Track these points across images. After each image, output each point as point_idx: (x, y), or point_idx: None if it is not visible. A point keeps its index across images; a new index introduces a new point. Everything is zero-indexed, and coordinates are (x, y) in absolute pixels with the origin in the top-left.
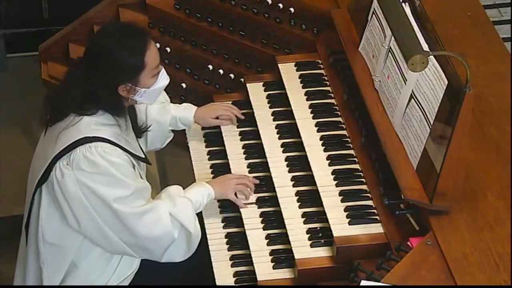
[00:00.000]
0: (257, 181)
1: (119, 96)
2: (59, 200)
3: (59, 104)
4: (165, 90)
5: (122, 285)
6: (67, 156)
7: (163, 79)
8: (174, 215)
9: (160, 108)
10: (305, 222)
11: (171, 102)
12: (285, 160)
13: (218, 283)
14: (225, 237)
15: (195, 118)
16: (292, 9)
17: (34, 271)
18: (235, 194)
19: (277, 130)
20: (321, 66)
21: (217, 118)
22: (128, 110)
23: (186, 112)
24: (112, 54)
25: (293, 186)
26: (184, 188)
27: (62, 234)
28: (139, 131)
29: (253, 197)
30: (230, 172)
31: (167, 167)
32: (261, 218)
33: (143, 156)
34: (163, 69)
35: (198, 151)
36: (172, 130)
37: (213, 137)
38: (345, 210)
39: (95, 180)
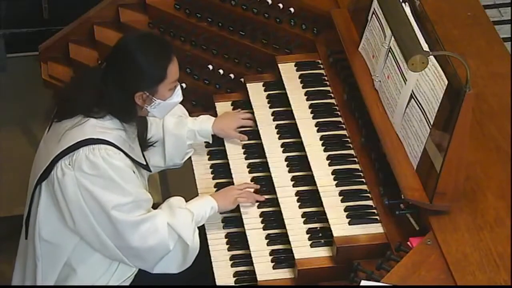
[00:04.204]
0: (263, 198)
1: (134, 103)
2: (58, 199)
3: (69, 102)
4: None
5: (122, 285)
6: (70, 156)
7: (178, 95)
8: (173, 225)
9: (177, 122)
10: (305, 222)
11: None
12: (285, 160)
13: (218, 283)
14: (225, 237)
15: (214, 130)
16: (292, 9)
17: (32, 265)
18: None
19: (277, 130)
20: (321, 66)
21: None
22: (139, 120)
23: (204, 124)
24: (136, 60)
25: (293, 186)
26: (187, 200)
27: (58, 233)
28: (145, 143)
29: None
30: (230, 173)
31: None
32: (261, 218)
33: (145, 163)
34: (179, 86)
35: (198, 151)
36: (192, 146)
37: (213, 137)
38: (345, 210)
39: (95, 182)
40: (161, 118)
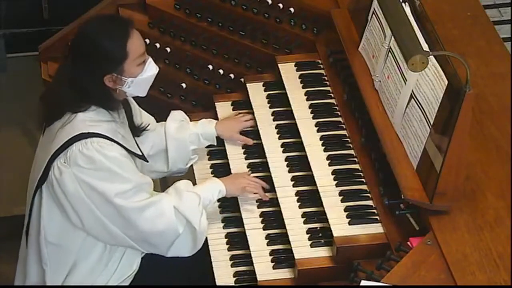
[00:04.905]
0: (267, 198)
1: (107, 88)
2: (60, 199)
3: (53, 103)
4: (165, 90)
5: (122, 285)
6: (64, 153)
7: (151, 69)
8: (179, 209)
9: (179, 126)
10: (305, 222)
11: (170, 102)
12: (285, 160)
13: (218, 283)
14: (225, 237)
15: (218, 132)
16: (292, 9)
17: (36, 272)
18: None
19: (277, 130)
20: (321, 66)
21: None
22: (123, 105)
23: (206, 126)
24: (94, 44)
25: (293, 186)
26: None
27: (64, 234)
28: (137, 129)
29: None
30: (230, 173)
31: None
32: (261, 218)
33: (140, 153)
34: (150, 58)
35: (198, 151)
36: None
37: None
38: (345, 210)
39: (93, 175)
40: (143, 95)
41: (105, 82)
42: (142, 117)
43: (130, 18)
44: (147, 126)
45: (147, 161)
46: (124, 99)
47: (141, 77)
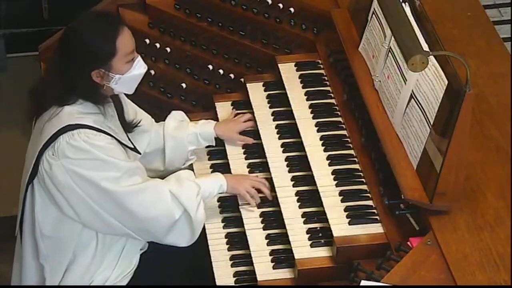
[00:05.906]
0: (259, 201)
1: (94, 83)
2: (52, 192)
3: (41, 96)
4: (165, 90)
5: (121, 284)
6: (52, 146)
7: (139, 67)
8: (177, 195)
9: (177, 125)
10: (305, 222)
11: (170, 102)
12: (285, 160)
13: (218, 283)
14: (225, 237)
15: (216, 132)
16: (292, 9)
17: (33, 268)
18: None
19: (277, 130)
20: (321, 66)
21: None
22: (113, 101)
23: (205, 126)
24: (83, 39)
25: (293, 186)
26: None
27: (60, 227)
28: (128, 125)
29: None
30: (230, 172)
31: None
32: (261, 218)
33: (132, 146)
34: (139, 57)
35: (198, 151)
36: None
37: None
38: (345, 210)
39: (83, 165)
40: (130, 93)
41: (92, 77)
42: (138, 114)
43: (120, 15)
44: (139, 122)
45: (140, 153)
46: (116, 95)
47: (129, 74)
